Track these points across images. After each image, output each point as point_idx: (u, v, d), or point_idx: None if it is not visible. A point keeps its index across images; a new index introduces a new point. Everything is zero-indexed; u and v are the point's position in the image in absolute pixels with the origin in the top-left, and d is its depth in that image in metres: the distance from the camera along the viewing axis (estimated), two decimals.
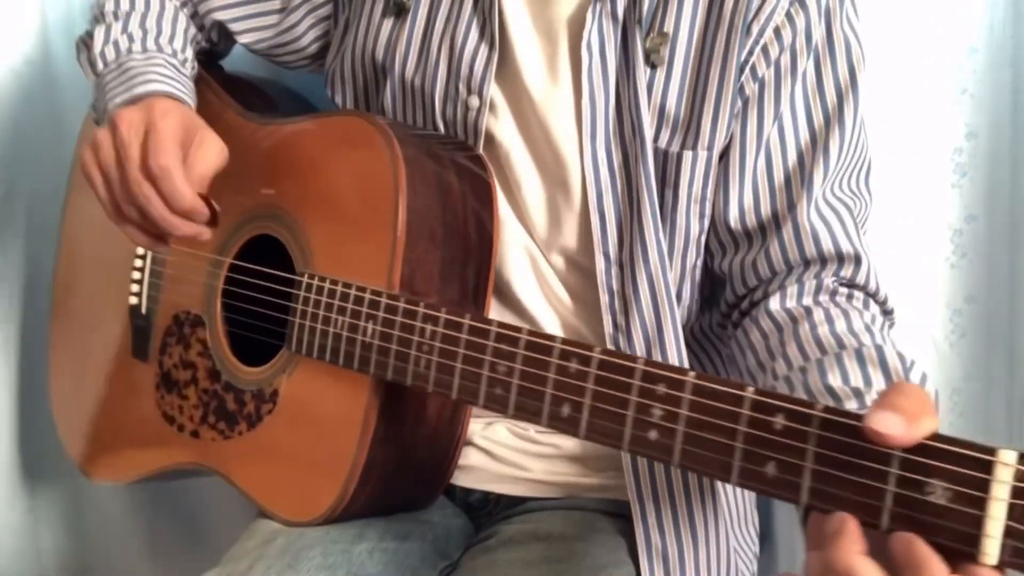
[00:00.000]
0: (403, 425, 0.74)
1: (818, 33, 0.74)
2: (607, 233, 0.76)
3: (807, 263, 0.74)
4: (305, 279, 0.76)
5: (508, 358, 0.61)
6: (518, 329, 0.61)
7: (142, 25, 0.88)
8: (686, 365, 0.77)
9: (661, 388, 0.53)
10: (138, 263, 0.93)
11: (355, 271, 0.74)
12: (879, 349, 0.62)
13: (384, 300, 0.70)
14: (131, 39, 0.86)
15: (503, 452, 0.84)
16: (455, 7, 0.80)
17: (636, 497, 0.76)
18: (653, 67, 0.74)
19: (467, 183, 0.78)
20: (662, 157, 0.74)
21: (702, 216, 0.77)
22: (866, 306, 0.73)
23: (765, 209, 0.75)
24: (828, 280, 0.73)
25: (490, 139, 0.80)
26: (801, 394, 0.62)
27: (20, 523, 1.14)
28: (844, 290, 0.73)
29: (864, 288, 0.74)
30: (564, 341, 0.58)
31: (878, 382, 0.60)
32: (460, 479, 0.83)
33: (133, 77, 0.81)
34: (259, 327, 0.83)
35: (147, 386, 0.92)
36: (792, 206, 0.74)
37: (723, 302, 0.80)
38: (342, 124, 0.78)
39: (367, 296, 0.71)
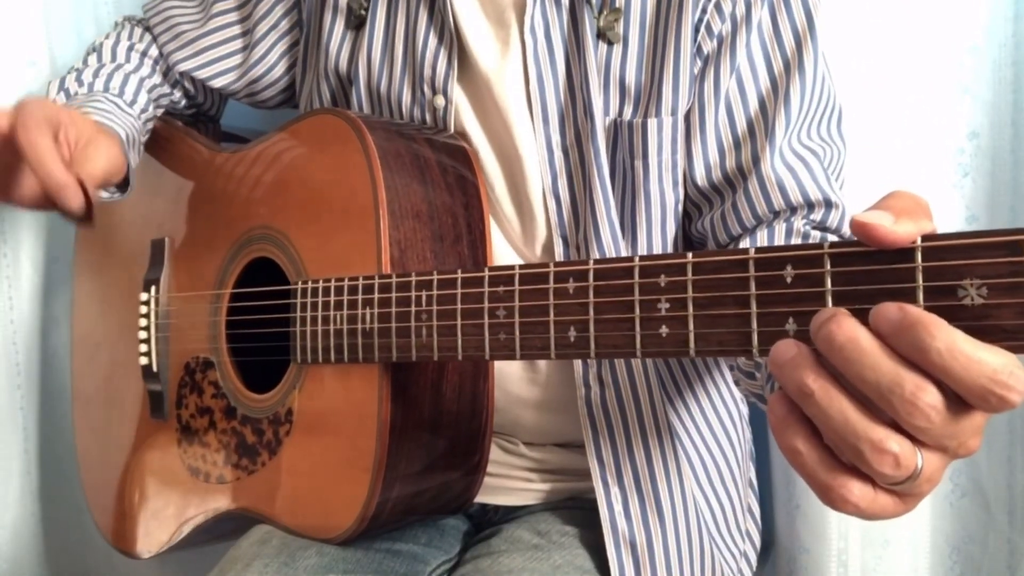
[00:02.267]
0: (420, 411, 0.71)
1: None
2: (563, 215, 0.75)
3: (776, 214, 0.71)
4: (299, 286, 0.74)
5: (506, 299, 0.58)
6: (510, 267, 0.58)
7: (97, 74, 0.90)
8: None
9: (662, 279, 0.50)
10: (143, 323, 0.92)
11: (346, 265, 0.71)
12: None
13: (376, 282, 0.67)
14: (80, 84, 0.88)
15: (498, 468, 0.83)
16: (412, 12, 0.81)
17: (602, 483, 0.75)
18: (609, 43, 0.73)
19: (446, 158, 0.76)
20: (627, 129, 0.73)
21: (675, 184, 0.75)
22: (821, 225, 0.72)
23: (730, 163, 0.73)
24: (798, 224, 0.71)
25: (461, 136, 0.79)
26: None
27: (24, 525, 1.11)
28: (816, 233, 0.71)
29: (837, 231, 0.72)
30: (557, 264, 0.55)
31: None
32: None
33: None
34: (267, 350, 0.81)
35: (170, 444, 0.90)
36: (756, 158, 0.72)
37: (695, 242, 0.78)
38: (307, 125, 0.77)
39: (360, 283, 0.69)
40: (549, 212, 0.75)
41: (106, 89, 0.88)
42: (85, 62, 0.93)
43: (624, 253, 0.74)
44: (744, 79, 0.72)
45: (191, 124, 0.96)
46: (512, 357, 0.58)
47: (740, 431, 0.84)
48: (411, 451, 0.70)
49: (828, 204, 0.72)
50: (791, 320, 0.44)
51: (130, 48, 0.95)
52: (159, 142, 0.95)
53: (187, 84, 0.97)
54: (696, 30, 0.72)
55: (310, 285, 0.73)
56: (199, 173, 0.90)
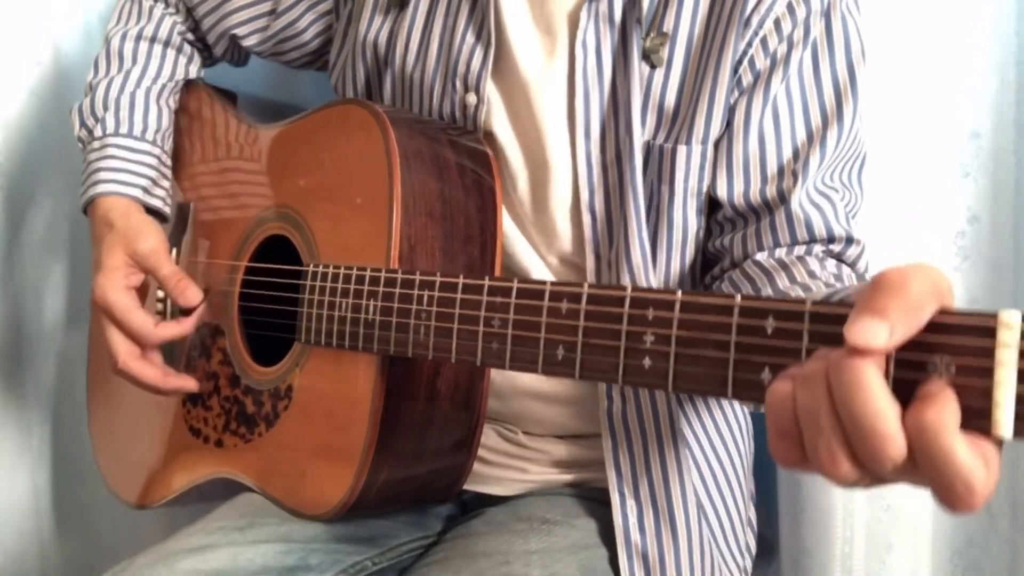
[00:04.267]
0: (414, 404, 0.72)
1: (817, 26, 0.73)
2: (597, 231, 0.76)
3: (795, 243, 0.73)
4: (311, 269, 0.76)
5: (502, 310, 0.59)
6: (509, 279, 0.59)
7: (106, 103, 0.91)
8: None
9: (650, 312, 0.51)
10: (161, 293, 0.94)
11: (358, 254, 0.73)
12: (860, 277, 0.64)
13: (383, 275, 0.69)
14: (96, 120, 0.91)
15: (494, 457, 0.84)
16: (453, 4, 0.81)
17: (618, 494, 0.76)
18: (652, 66, 0.74)
19: (466, 160, 0.77)
20: (658, 153, 0.74)
21: (699, 212, 0.76)
22: (841, 261, 0.74)
23: (755, 195, 0.74)
24: (817, 251, 0.73)
25: (488, 136, 0.80)
26: (778, 280, 0.65)
27: (24, 523, 1.14)
28: (832, 261, 0.73)
29: (853, 266, 0.74)
30: (554, 284, 0.56)
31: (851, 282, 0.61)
32: None
33: (88, 174, 0.89)
34: (275, 326, 0.83)
35: (175, 404, 0.92)
36: (786, 193, 0.73)
37: (709, 276, 0.79)
38: (336, 113, 0.79)
39: (367, 275, 0.70)
40: (584, 227, 0.76)
41: (116, 127, 0.90)
42: (96, 70, 0.94)
43: (651, 274, 0.75)
44: (781, 117, 0.73)
45: (223, 93, 0.98)
46: (502, 366, 0.59)
47: (745, 444, 0.86)
48: (400, 441, 0.72)
49: (849, 240, 0.74)
50: (766, 369, 0.45)
51: (138, 38, 0.95)
52: (191, 109, 0.97)
53: (212, 40, 0.97)
54: (739, 63, 0.72)
55: (321, 269, 0.75)
56: (227, 144, 0.92)
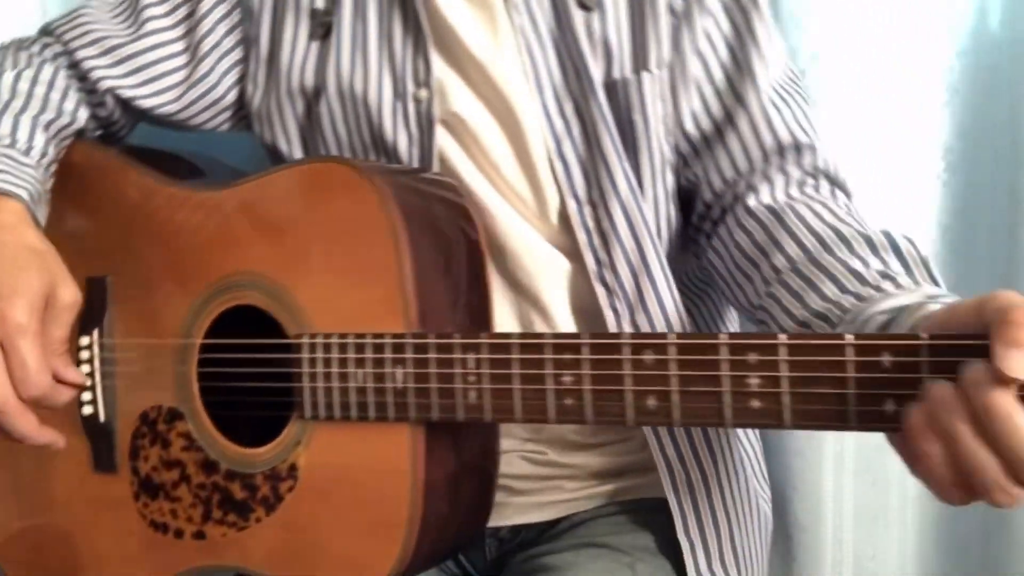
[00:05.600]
0: (449, 463, 0.71)
1: None
2: (571, 176, 0.78)
3: (766, 156, 0.76)
4: (306, 340, 0.71)
5: (572, 366, 0.60)
6: (577, 335, 0.60)
7: None
8: (673, 293, 0.78)
9: (753, 357, 0.54)
10: (84, 369, 0.84)
11: (363, 321, 0.70)
12: (887, 234, 0.66)
13: (409, 341, 0.67)
14: None
15: (526, 484, 0.84)
16: (384, 11, 0.81)
17: (673, 492, 0.78)
18: (588, 9, 0.77)
19: (447, 206, 0.76)
20: (623, 87, 0.77)
21: (667, 134, 0.79)
22: (833, 195, 0.76)
23: (715, 109, 0.78)
24: (794, 172, 0.76)
25: (459, 122, 0.79)
26: (824, 281, 0.65)
27: None
28: (810, 180, 0.76)
29: (825, 173, 0.77)
30: (632, 336, 0.58)
31: (895, 266, 0.64)
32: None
33: None
34: (252, 404, 0.77)
35: (123, 498, 0.83)
36: (741, 98, 0.77)
37: (696, 216, 0.81)
38: (308, 173, 0.74)
39: (387, 341, 0.68)
40: (557, 175, 0.77)
41: None
42: None
43: (642, 203, 0.77)
44: (710, 29, 0.78)
45: (129, 152, 0.88)
46: (581, 421, 0.60)
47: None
48: (441, 503, 0.71)
49: (812, 148, 0.76)
50: (890, 401, 0.50)
51: (17, 78, 0.85)
52: (91, 170, 0.87)
53: (109, 102, 0.89)
54: None
55: (321, 340, 0.71)
56: (148, 208, 0.83)
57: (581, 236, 0.77)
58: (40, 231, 0.78)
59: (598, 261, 0.77)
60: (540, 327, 0.80)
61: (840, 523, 1.03)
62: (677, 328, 0.78)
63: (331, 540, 0.72)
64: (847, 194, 0.78)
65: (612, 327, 0.77)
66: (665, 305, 0.77)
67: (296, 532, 0.74)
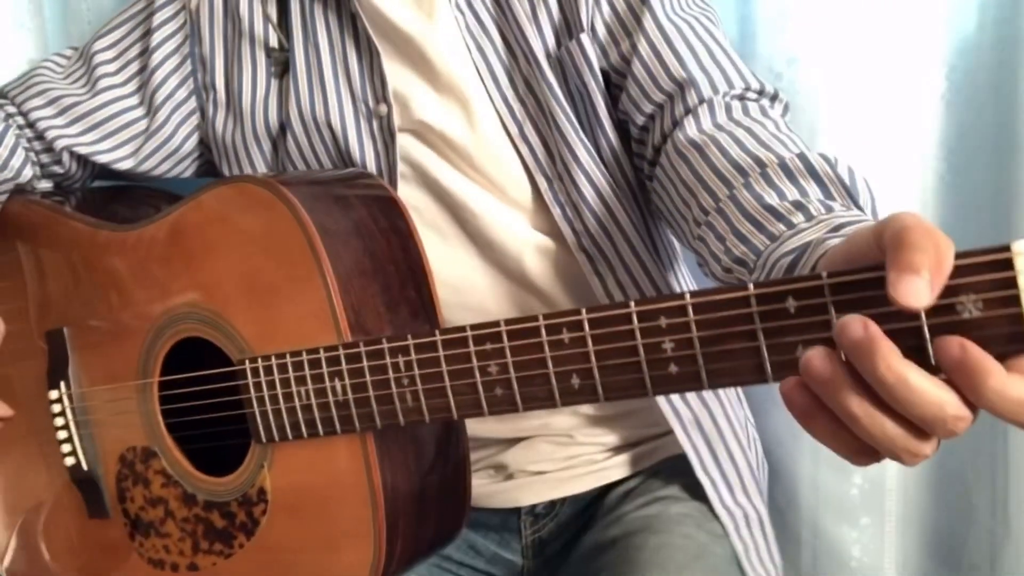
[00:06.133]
0: (407, 465, 0.71)
1: None
2: (537, 156, 0.79)
3: (678, 84, 0.74)
4: (248, 365, 0.71)
5: (496, 356, 0.58)
6: (495, 324, 0.58)
7: None
8: (648, 246, 0.80)
9: (663, 321, 0.52)
10: (60, 421, 0.85)
11: (298, 337, 0.69)
12: (801, 157, 0.63)
13: (342, 352, 0.66)
14: None
15: (552, 466, 0.86)
16: (335, 38, 0.82)
17: (686, 437, 0.81)
18: None
19: (372, 203, 0.75)
20: (567, 55, 0.77)
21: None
22: (763, 112, 0.73)
23: (620, 38, 0.76)
24: (715, 98, 0.73)
25: (426, 128, 0.79)
26: (741, 221, 0.63)
27: None
28: (736, 104, 0.74)
29: (748, 88, 0.75)
30: (545, 316, 0.56)
31: (813, 191, 0.61)
32: (519, 499, 0.86)
33: None
34: (214, 434, 0.77)
35: (121, 541, 0.85)
36: (638, 21, 0.75)
37: (634, 156, 0.80)
38: (221, 195, 0.73)
39: (322, 356, 0.67)
40: (524, 156, 0.79)
41: None
42: None
43: (603, 169, 0.78)
44: None
45: (59, 202, 0.88)
46: (513, 410, 0.59)
47: None
48: (406, 504, 0.70)
49: (726, 72, 0.74)
50: (800, 347, 0.48)
51: None
52: (28, 227, 0.87)
53: (66, 159, 0.89)
54: None
55: (261, 363, 0.70)
56: (88, 255, 0.83)
57: (556, 211, 0.79)
58: None
59: (575, 231, 0.79)
60: (538, 310, 0.81)
61: (815, 503, 1.00)
62: (658, 282, 0.80)
63: (308, 557, 0.73)
64: (773, 98, 0.76)
65: (600, 293, 0.79)
66: (644, 260, 0.79)
67: (276, 553, 0.74)
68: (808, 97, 0.96)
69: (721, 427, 0.83)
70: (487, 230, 0.80)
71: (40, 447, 0.88)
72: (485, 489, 0.86)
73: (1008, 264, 0.42)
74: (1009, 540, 0.97)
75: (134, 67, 0.89)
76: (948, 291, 0.43)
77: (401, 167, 0.80)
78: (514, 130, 0.79)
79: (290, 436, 0.70)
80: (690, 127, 0.72)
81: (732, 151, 0.68)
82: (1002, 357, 0.42)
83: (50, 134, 0.88)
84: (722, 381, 0.51)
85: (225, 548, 0.77)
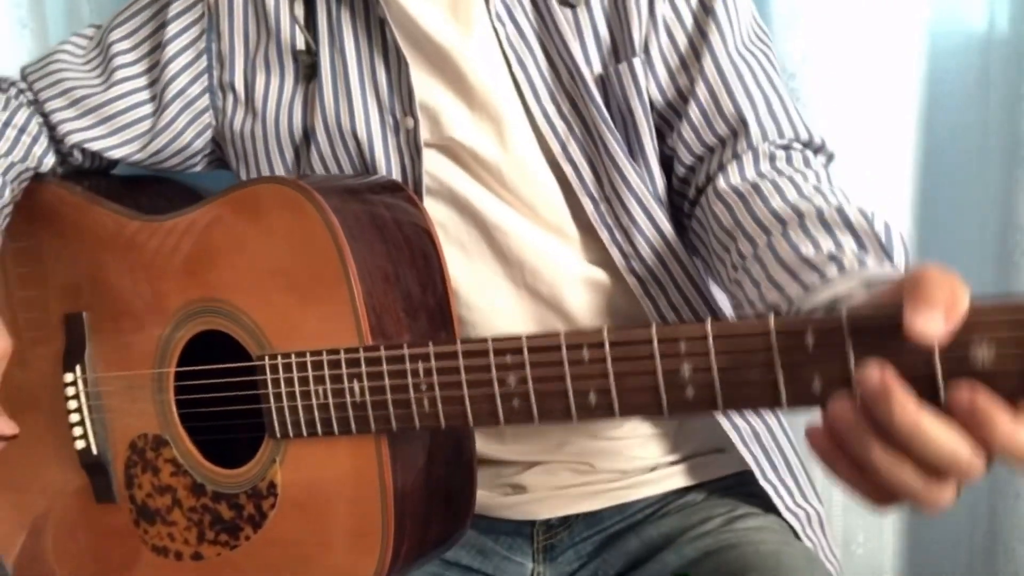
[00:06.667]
0: (417, 467, 0.72)
1: None
2: (583, 177, 0.77)
3: (731, 129, 0.74)
4: (267, 361, 0.72)
5: (516, 368, 0.60)
6: (515, 337, 0.60)
7: None
8: (699, 267, 0.79)
9: (682, 346, 0.53)
10: (72, 404, 0.87)
11: (319, 337, 0.71)
12: (839, 210, 0.65)
13: (362, 355, 0.67)
14: None
15: (567, 491, 0.84)
16: (361, 44, 0.80)
17: (743, 445, 0.79)
18: (572, 6, 0.77)
19: (397, 211, 0.76)
20: (616, 78, 0.76)
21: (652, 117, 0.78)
22: (807, 163, 0.74)
23: (678, 73, 0.76)
24: (762, 146, 0.74)
25: (457, 145, 0.78)
26: (776, 270, 0.64)
27: None
28: (781, 153, 0.74)
29: (797, 139, 0.76)
30: (567, 334, 0.58)
31: (848, 243, 0.63)
32: (536, 512, 0.84)
33: None
34: (228, 427, 0.79)
35: (126, 526, 0.86)
36: (698, 56, 0.75)
37: (674, 193, 0.80)
38: (252, 195, 0.75)
39: (342, 357, 0.68)
40: (568, 177, 0.77)
41: None
42: None
43: (652, 191, 0.77)
44: (678, 3, 0.77)
45: (87, 189, 0.89)
46: (529, 422, 0.60)
47: None
48: (414, 506, 0.72)
49: (776, 118, 0.75)
50: (817, 380, 0.49)
51: None
52: (53, 212, 0.89)
53: (77, 154, 0.90)
54: None
55: (280, 360, 0.72)
56: (116, 243, 0.84)
57: (603, 234, 0.77)
58: None
59: (624, 254, 0.77)
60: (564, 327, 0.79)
61: (829, 509, 1.02)
62: (711, 303, 0.79)
63: (315, 553, 0.74)
64: (819, 151, 0.77)
65: (652, 314, 0.77)
66: (696, 281, 0.78)
67: (283, 548, 0.76)
68: (819, 95, 0.98)
69: (777, 436, 0.82)
70: (520, 252, 0.78)
71: (51, 430, 0.89)
72: (497, 501, 0.85)
73: (1021, 311, 0.44)
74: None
75: (148, 61, 0.87)
76: (963, 331, 0.45)
77: (427, 181, 0.79)
78: (556, 149, 0.77)
79: (305, 433, 0.71)
80: (734, 174, 0.73)
81: (773, 201, 0.69)
82: (1014, 402, 0.44)
83: (62, 129, 0.88)
84: (737, 407, 0.53)
85: (231, 539, 0.78)
